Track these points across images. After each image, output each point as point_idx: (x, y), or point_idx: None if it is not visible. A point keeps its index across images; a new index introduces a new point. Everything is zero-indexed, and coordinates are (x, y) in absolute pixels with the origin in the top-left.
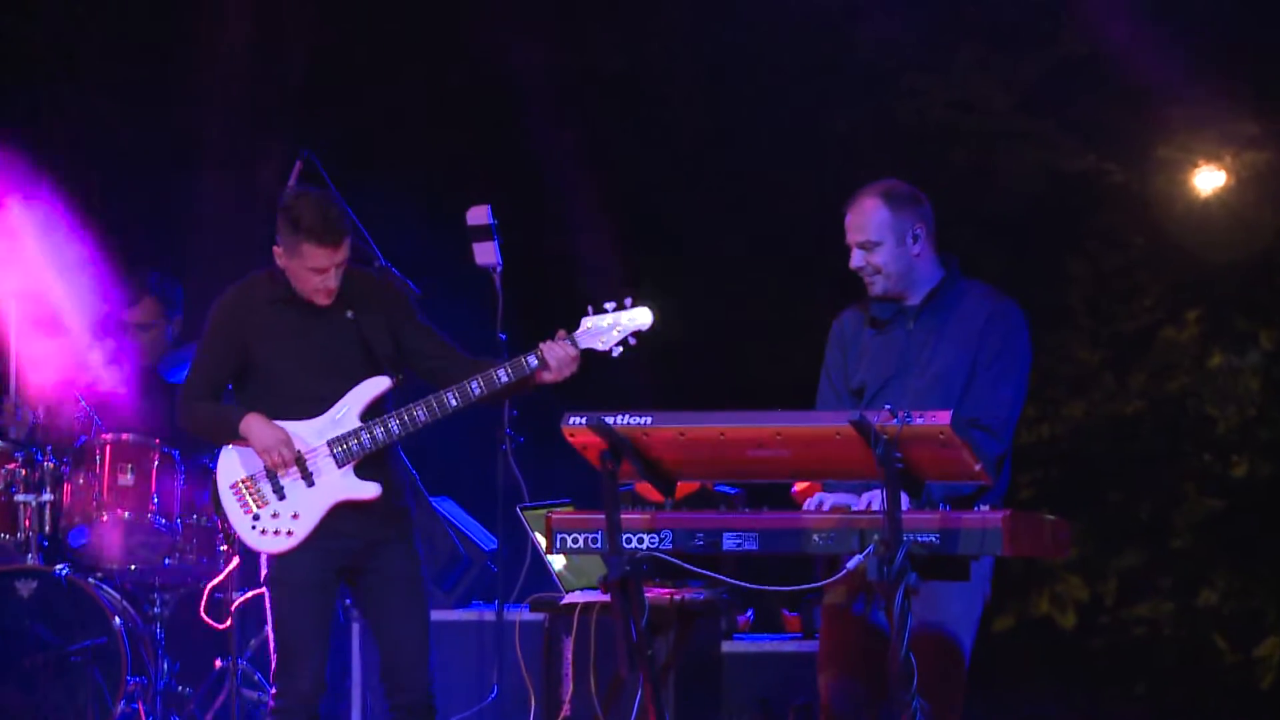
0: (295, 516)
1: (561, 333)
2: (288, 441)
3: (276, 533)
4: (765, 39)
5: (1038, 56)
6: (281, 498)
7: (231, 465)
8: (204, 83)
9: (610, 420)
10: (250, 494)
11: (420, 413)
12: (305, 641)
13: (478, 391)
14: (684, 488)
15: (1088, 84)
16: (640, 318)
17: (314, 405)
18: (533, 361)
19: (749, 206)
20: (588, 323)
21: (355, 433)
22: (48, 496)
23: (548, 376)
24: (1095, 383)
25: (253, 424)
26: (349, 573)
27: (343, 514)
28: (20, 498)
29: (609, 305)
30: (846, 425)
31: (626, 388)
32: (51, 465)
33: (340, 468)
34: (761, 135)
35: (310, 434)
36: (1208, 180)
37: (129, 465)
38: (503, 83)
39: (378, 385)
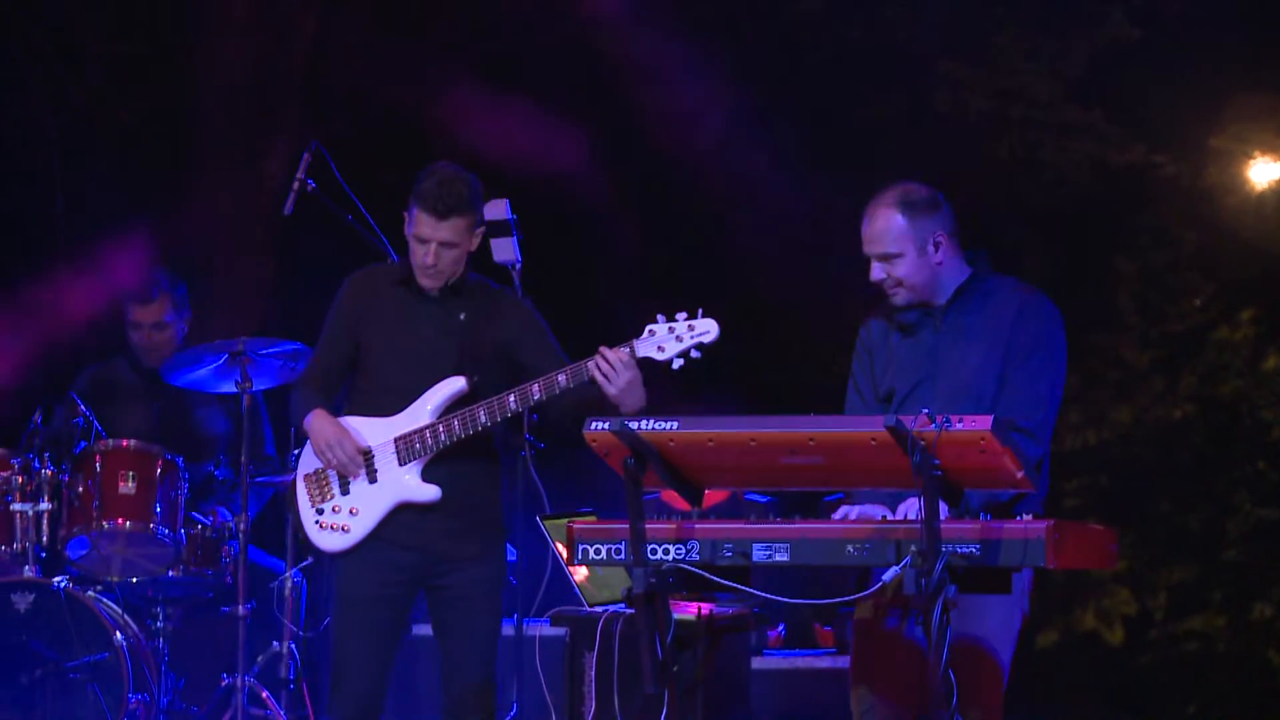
0: (354, 512)
1: (604, 349)
2: (343, 441)
3: (335, 527)
4: (798, 26)
5: (1084, 42)
6: (345, 493)
7: (307, 457)
8: (207, 73)
9: (634, 425)
10: (318, 486)
11: (481, 414)
12: (355, 658)
13: (538, 394)
14: (712, 496)
15: (1138, 72)
16: (706, 330)
17: (397, 397)
18: (590, 366)
19: (779, 203)
20: (651, 330)
21: (421, 432)
22: (46, 505)
23: (609, 390)
24: (1144, 386)
25: (313, 422)
26: (423, 585)
27: (406, 520)
28: (17, 506)
29: (679, 315)
30: (882, 431)
31: (653, 393)
32: (50, 473)
33: (401, 466)
34: (794, 127)
35: (381, 431)
36: (1264, 173)
37: (130, 473)
38: (522, 73)
39: (453, 385)
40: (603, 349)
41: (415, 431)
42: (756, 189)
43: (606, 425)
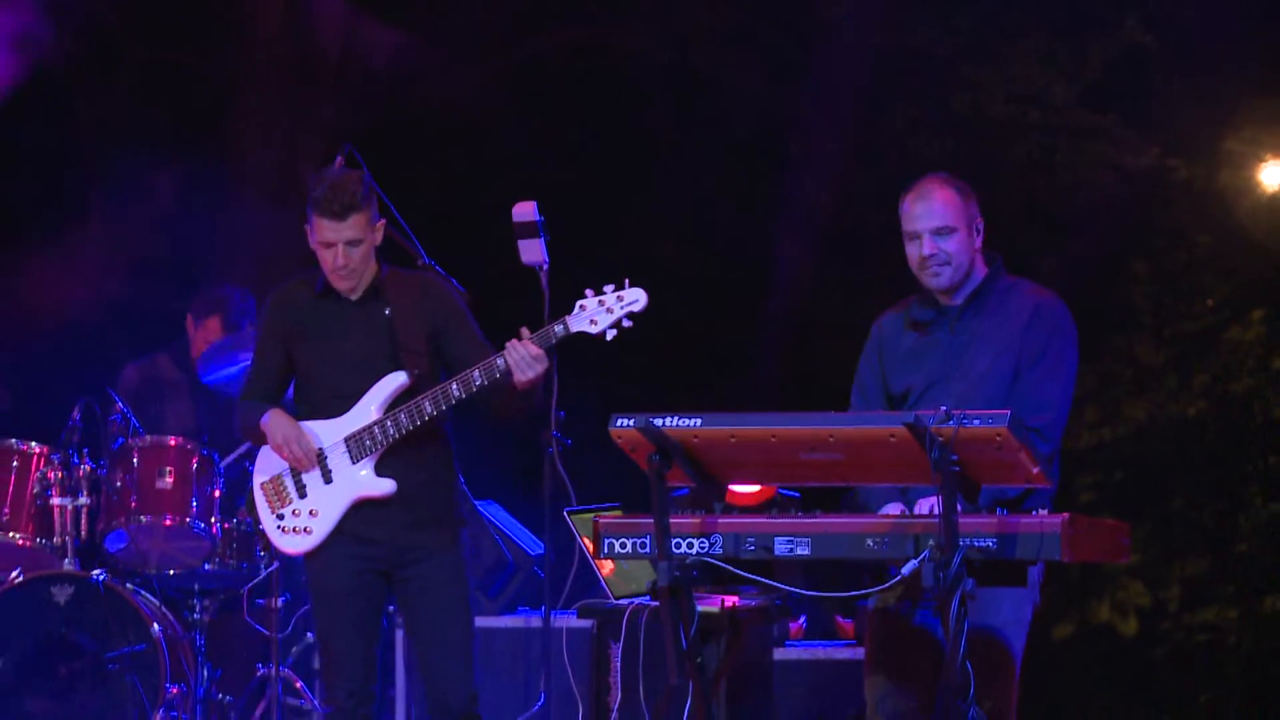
0: (314, 514)
1: (524, 330)
2: (299, 437)
3: (296, 530)
4: (818, 32)
5: (1100, 48)
6: (303, 495)
7: (262, 465)
8: (239, 71)
9: (659, 422)
10: (275, 492)
11: (427, 404)
12: (342, 648)
13: (457, 391)
14: (759, 494)
15: (1152, 77)
16: (634, 298)
17: (344, 402)
18: (500, 363)
19: (802, 202)
20: (581, 305)
21: (369, 428)
22: (84, 500)
23: (518, 377)
24: (1158, 383)
25: (270, 421)
26: (389, 578)
27: (367, 514)
28: (56, 501)
29: (607, 287)
30: (901, 428)
31: (672, 388)
32: (88, 468)
33: (355, 463)
34: (815, 129)
35: (332, 431)
36: (1275, 175)
37: (168, 468)
38: (549, 74)
39: (394, 381)
40: (511, 342)
41: (364, 429)
42: (781, 191)
43: (632, 422)
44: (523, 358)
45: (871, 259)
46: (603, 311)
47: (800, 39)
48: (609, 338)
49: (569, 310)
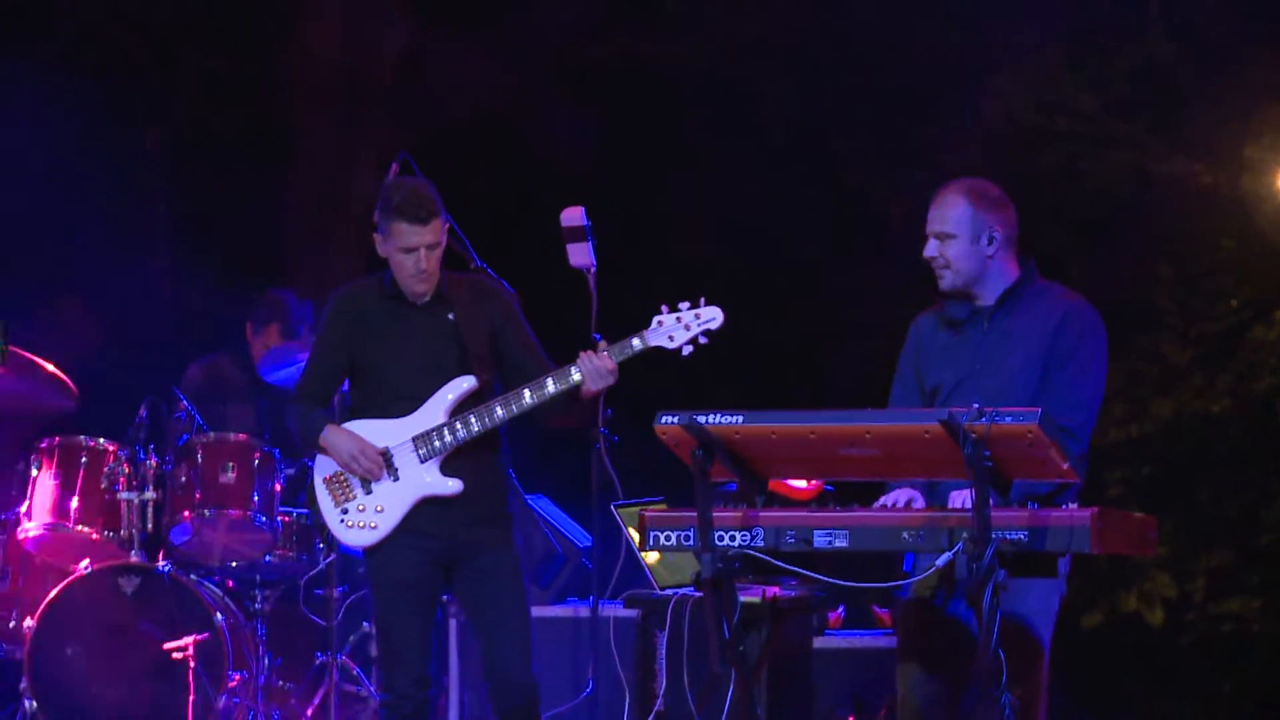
0: (380, 510)
1: (603, 344)
2: (366, 450)
3: (362, 526)
4: (852, 43)
5: (1126, 58)
6: (368, 492)
7: (324, 460)
8: (299, 86)
9: (702, 419)
10: (339, 488)
11: (498, 409)
12: (403, 637)
13: (529, 398)
14: (811, 490)
15: (1176, 86)
16: (710, 317)
17: (410, 403)
18: (574, 372)
19: (835, 208)
20: (659, 321)
21: (439, 429)
22: (150, 494)
23: (588, 388)
24: (1184, 382)
25: (330, 437)
26: (446, 570)
27: (429, 512)
28: (123, 495)
29: (683, 305)
30: (935, 425)
31: (716, 387)
32: (154, 463)
33: (423, 463)
34: (848, 138)
35: (398, 431)
36: None
37: (230, 463)
38: (595, 84)
39: (463, 384)
40: (580, 357)
41: (433, 429)
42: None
43: (676, 420)
44: (596, 370)
45: (902, 262)
46: (680, 328)
47: (833, 49)
48: (685, 354)
49: (646, 325)
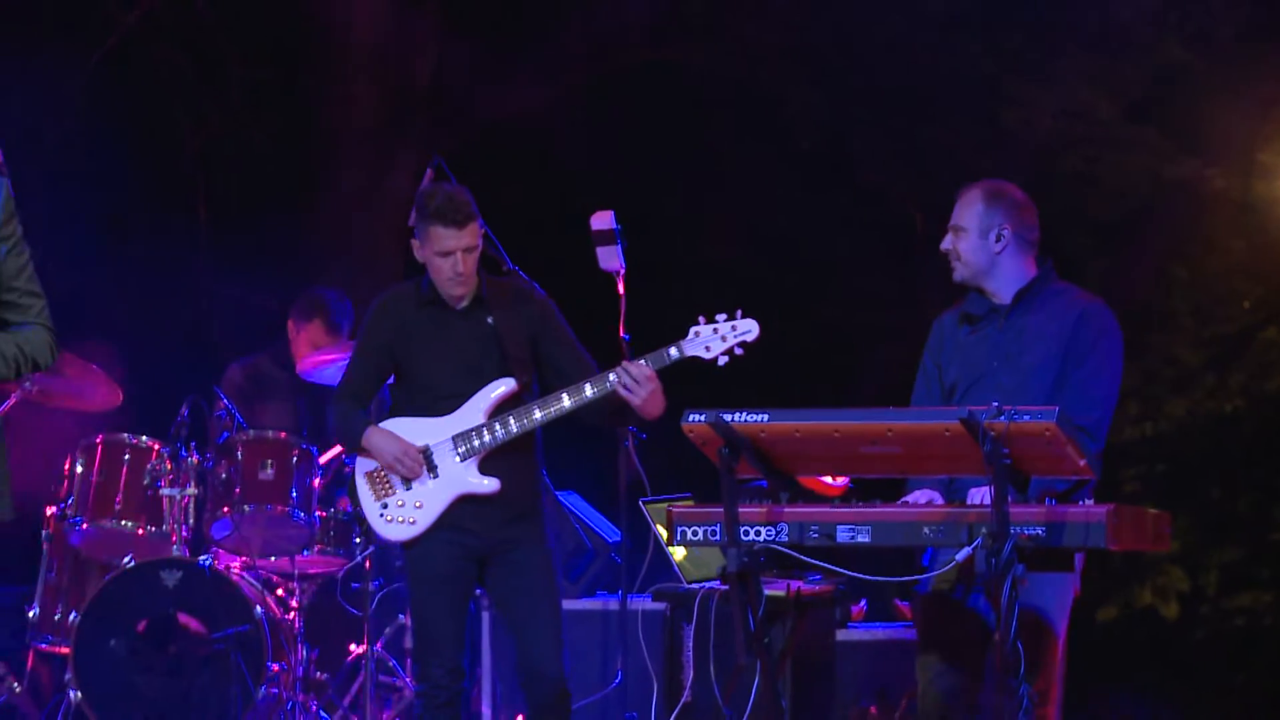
0: (419, 506)
1: (642, 361)
2: (408, 450)
3: (400, 521)
4: (876, 51)
5: (1141, 66)
6: (408, 488)
7: (365, 458)
8: (338, 93)
9: (728, 418)
10: (380, 483)
11: (536, 411)
12: (438, 630)
13: (567, 402)
14: (842, 487)
15: (1190, 92)
16: (747, 329)
17: (450, 403)
18: (611, 378)
19: (860, 213)
20: (696, 331)
21: (478, 429)
22: (192, 490)
23: (632, 399)
24: (1197, 382)
25: (373, 438)
26: (481, 565)
27: (466, 509)
28: (165, 492)
29: (720, 316)
30: (955, 423)
31: (741, 386)
32: (195, 460)
33: (461, 462)
34: (872, 144)
35: (439, 430)
36: None
37: (269, 461)
38: (623, 91)
39: (502, 386)
40: (624, 363)
41: (473, 429)
42: (839, 202)
43: (703, 418)
44: (635, 377)
45: (925, 265)
46: (716, 339)
47: (858, 57)
48: (721, 364)
49: (683, 335)
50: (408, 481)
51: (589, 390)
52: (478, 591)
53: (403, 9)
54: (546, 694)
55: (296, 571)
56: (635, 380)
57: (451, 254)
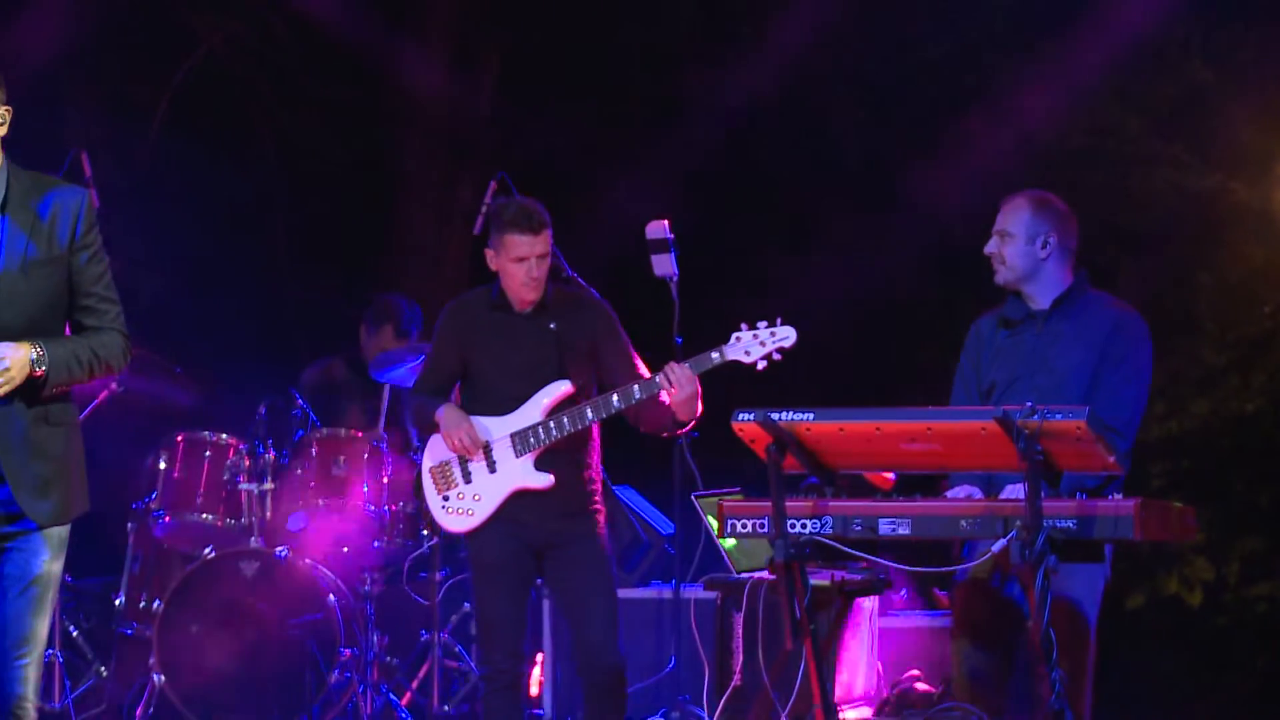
0: (477, 498)
1: (686, 364)
2: (470, 430)
3: (460, 512)
4: (917, 73)
5: (1168, 85)
6: (468, 481)
7: (431, 452)
8: (406, 115)
9: (775, 416)
10: (442, 476)
11: (589, 411)
12: (499, 616)
13: (617, 403)
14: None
15: (1214, 109)
16: (785, 335)
17: (510, 403)
18: (658, 381)
19: (901, 223)
20: (737, 337)
21: (534, 428)
22: (269, 485)
23: (674, 401)
24: (1220, 382)
25: (444, 414)
26: (538, 556)
27: (523, 502)
28: (244, 486)
29: (761, 324)
30: (991, 421)
31: (787, 386)
32: (272, 457)
33: (518, 458)
34: (913, 158)
35: (499, 427)
36: None
37: (341, 457)
38: (674, 108)
39: (559, 388)
40: (669, 365)
41: (529, 428)
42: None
43: (752, 417)
44: (679, 379)
45: (965, 272)
46: (756, 344)
47: (897, 76)
48: (760, 368)
49: (725, 340)
50: (468, 476)
51: (638, 391)
52: (537, 580)
53: (468, 40)
54: (602, 678)
55: (368, 562)
56: (678, 381)
57: (526, 260)
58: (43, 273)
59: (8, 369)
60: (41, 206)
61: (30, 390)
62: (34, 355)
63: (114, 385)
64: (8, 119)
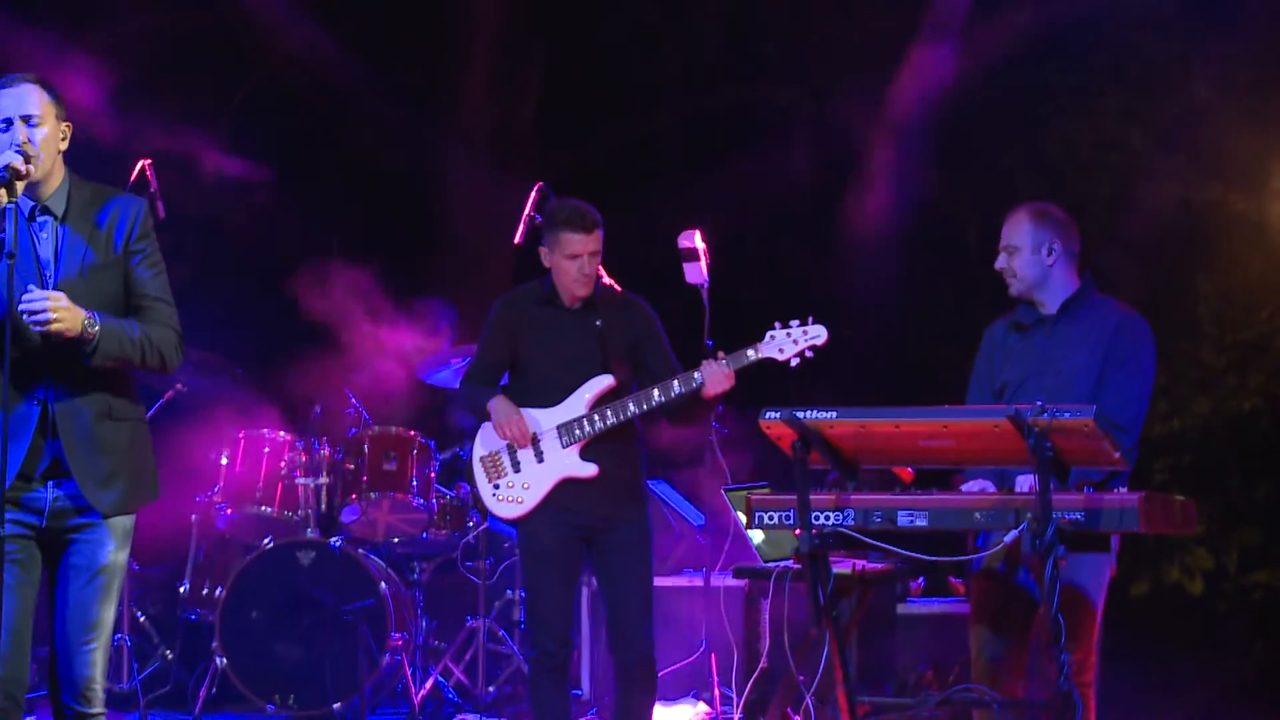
0: (526, 487)
1: (721, 354)
2: (519, 421)
3: (509, 500)
4: (936, 93)
5: (1170, 102)
6: (517, 470)
7: (482, 441)
8: (452, 130)
9: (800, 415)
10: (493, 465)
11: (631, 405)
12: (547, 601)
13: (658, 396)
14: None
15: (1214, 125)
16: (816, 334)
17: (556, 395)
18: (697, 376)
19: (922, 232)
20: (771, 335)
21: (579, 420)
22: (324, 479)
23: (709, 391)
24: (1219, 383)
25: (495, 405)
26: (588, 542)
27: (570, 490)
28: (301, 481)
29: (794, 322)
30: (1003, 419)
31: (811, 388)
32: (327, 453)
33: (565, 449)
34: (933, 172)
35: (546, 419)
36: None
37: (392, 453)
38: (710, 126)
39: (602, 382)
40: (706, 361)
41: (575, 420)
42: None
43: (778, 415)
44: (716, 375)
45: (977, 279)
46: (789, 342)
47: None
48: (793, 365)
49: (760, 339)
50: (517, 465)
51: (677, 386)
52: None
53: (512, 56)
54: (634, 659)
55: (417, 551)
56: (715, 377)
57: (579, 257)
58: (101, 277)
59: (65, 306)
60: (100, 215)
61: (95, 387)
62: (87, 318)
63: (179, 386)
64: (69, 134)
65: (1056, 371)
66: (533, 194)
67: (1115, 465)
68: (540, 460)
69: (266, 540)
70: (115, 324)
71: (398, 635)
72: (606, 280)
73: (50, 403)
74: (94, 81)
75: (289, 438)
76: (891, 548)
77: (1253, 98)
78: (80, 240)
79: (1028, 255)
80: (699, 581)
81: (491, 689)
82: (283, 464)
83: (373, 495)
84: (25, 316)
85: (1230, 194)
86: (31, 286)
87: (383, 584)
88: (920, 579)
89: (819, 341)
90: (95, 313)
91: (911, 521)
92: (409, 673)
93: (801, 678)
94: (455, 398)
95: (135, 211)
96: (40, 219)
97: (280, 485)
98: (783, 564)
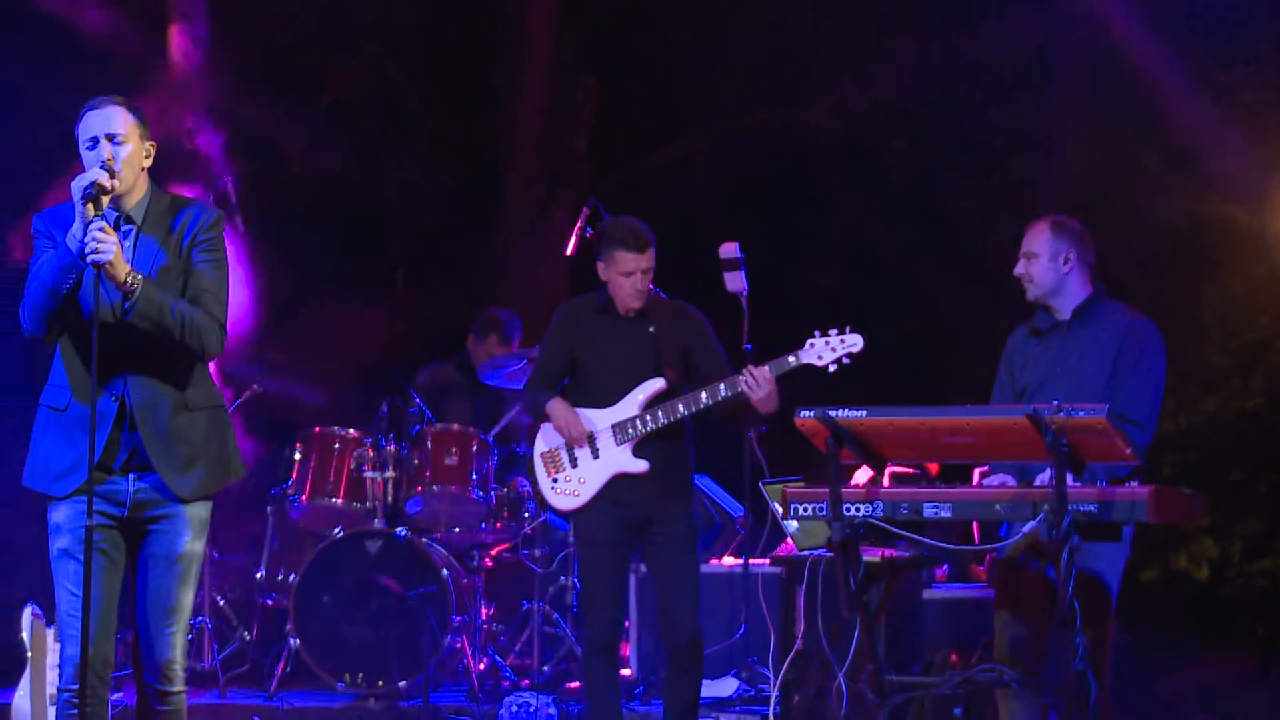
0: (583, 481)
1: (766, 366)
2: (577, 420)
3: (567, 493)
4: (956, 106)
5: (1178, 120)
6: (574, 466)
7: (543, 439)
8: (508, 149)
9: (833, 413)
10: (552, 461)
11: (680, 406)
12: (600, 587)
13: (705, 399)
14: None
15: (1218, 142)
16: (854, 342)
17: (612, 396)
18: (742, 381)
19: (945, 242)
20: (811, 343)
21: (632, 420)
22: (390, 473)
23: (752, 396)
24: (1224, 383)
25: (554, 406)
26: (639, 533)
27: (623, 484)
28: (368, 474)
29: (832, 330)
30: (1022, 418)
31: (844, 387)
32: (393, 449)
33: (619, 446)
34: (952, 185)
35: (602, 419)
36: None
37: (454, 448)
38: (748, 143)
39: (654, 384)
40: (749, 367)
41: (628, 419)
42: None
43: (812, 413)
44: (759, 379)
45: (997, 284)
46: (828, 350)
47: (941, 112)
48: (830, 370)
49: (800, 346)
50: (574, 461)
51: (723, 389)
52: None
53: (565, 80)
54: (683, 642)
55: (477, 540)
56: (758, 381)
57: (632, 274)
58: (169, 276)
59: (116, 243)
60: (174, 221)
61: (170, 380)
62: (131, 271)
63: (256, 386)
64: (153, 152)
65: (1071, 373)
66: (585, 209)
67: (1127, 461)
68: (596, 457)
69: (337, 530)
70: (157, 291)
71: (458, 618)
72: (653, 291)
73: (128, 397)
74: (179, 99)
75: (358, 434)
76: (918, 537)
77: (1254, 118)
78: (154, 244)
79: (1045, 262)
80: (738, 569)
81: (546, 668)
82: (352, 459)
83: (435, 488)
84: (89, 244)
85: (1236, 208)
86: (101, 229)
87: (445, 571)
88: (944, 566)
89: (856, 349)
90: (143, 272)
91: (937, 513)
92: (469, 653)
93: (834, 657)
94: (515, 398)
95: (205, 216)
96: (124, 228)
97: (349, 479)
98: (816, 552)
